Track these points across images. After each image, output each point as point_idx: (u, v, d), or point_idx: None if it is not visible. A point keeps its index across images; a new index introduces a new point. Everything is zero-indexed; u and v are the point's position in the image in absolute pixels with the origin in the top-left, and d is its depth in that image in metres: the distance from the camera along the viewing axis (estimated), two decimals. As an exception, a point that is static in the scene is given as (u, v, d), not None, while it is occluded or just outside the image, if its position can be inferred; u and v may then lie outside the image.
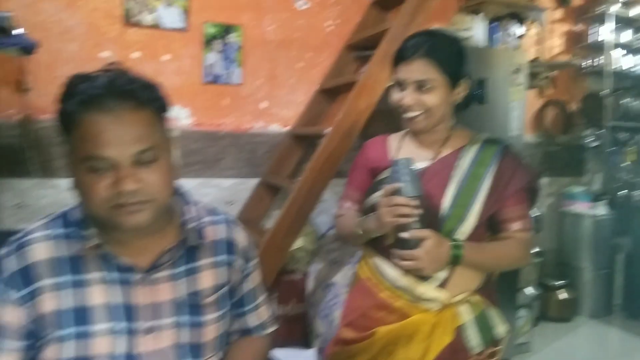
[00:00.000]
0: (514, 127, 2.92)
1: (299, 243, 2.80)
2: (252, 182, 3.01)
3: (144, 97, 0.89)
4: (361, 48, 3.09)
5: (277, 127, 3.07)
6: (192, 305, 1.01)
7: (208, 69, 2.84)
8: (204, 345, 1.03)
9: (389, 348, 1.32)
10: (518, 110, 2.94)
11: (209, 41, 2.83)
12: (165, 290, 0.98)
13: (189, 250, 1.01)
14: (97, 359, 0.92)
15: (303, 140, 3.06)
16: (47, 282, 0.92)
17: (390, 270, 1.35)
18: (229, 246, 1.08)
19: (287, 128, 3.08)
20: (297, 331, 2.79)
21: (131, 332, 0.95)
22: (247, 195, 3.01)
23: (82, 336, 0.92)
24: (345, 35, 3.17)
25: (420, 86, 1.31)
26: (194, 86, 2.83)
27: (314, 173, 2.49)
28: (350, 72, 3.17)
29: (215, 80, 2.86)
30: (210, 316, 1.03)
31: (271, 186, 3.01)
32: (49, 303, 0.91)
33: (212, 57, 2.84)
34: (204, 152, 2.88)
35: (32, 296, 0.91)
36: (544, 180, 3.92)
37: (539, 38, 3.66)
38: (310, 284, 2.84)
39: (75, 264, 0.93)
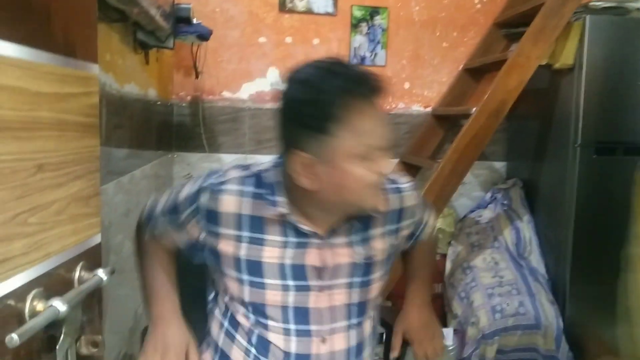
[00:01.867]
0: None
1: (438, 224, 2.81)
2: (392, 163, 3.06)
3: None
4: (511, 25, 2.96)
5: (418, 108, 3.08)
6: (365, 266, 1.07)
7: (355, 52, 2.94)
8: (369, 302, 1.10)
9: None
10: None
11: (355, 24, 2.92)
12: (341, 254, 1.04)
13: (364, 218, 1.05)
14: (269, 306, 1.03)
15: (445, 120, 3.04)
16: (229, 231, 1.00)
17: None
18: (400, 215, 1.12)
19: (429, 108, 3.08)
20: (434, 311, 2.80)
21: (302, 289, 1.02)
22: (387, 175, 3.07)
23: (255, 285, 1.02)
24: (494, 13, 3.06)
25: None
26: (340, 68, 2.94)
27: (457, 153, 2.47)
28: (498, 50, 3.06)
29: (361, 62, 2.95)
30: (377, 274, 1.10)
31: (411, 166, 3.04)
32: (228, 247, 1.01)
33: (359, 40, 2.93)
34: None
35: (215, 234, 1.02)
36: None
37: None
38: (448, 266, 2.84)
39: (257, 223, 1.00)
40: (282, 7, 2.86)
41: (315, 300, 1.03)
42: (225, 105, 2.86)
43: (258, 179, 1.03)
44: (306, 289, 1.02)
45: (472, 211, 3.03)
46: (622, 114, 2.55)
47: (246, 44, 2.86)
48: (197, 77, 2.70)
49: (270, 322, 1.03)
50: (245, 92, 2.88)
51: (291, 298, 1.02)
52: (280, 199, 1.00)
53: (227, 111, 2.86)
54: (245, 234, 1.00)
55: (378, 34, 2.95)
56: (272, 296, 1.02)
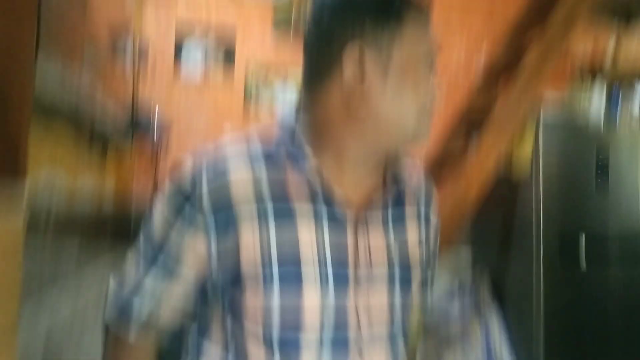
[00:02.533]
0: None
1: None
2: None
3: None
4: (467, 122, 3.08)
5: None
6: (402, 256, 0.86)
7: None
8: (409, 312, 0.87)
9: None
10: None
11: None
12: (377, 234, 0.83)
13: (395, 192, 0.87)
14: (306, 311, 0.76)
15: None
16: (247, 207, 0.75)
17: None
18: (427, 199, 0.94)
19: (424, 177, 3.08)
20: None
21: (343, 280, 0.79)
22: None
23: (288, 279, 0.76)
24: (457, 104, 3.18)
25: None
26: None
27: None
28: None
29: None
30: (416, 273, 0.88)
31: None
32: (247, 232, 0.75)
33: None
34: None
35: (226, 222, 0.75)
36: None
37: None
38: (418, 361, 2.71)
39: (279, 189, 0.78)
40: (248, 98, 2.91)
41: (353, 298, 0.80)
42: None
43: (262, 136, 0.83)
44: (345, 280, 0.79)
45: (439, 304, 2.95)
46: (581, 219, 2.56)
47: (212, 134, 2.86)
48: (155, 171, 2.65)
49: (304, 336, 0.77)
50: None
51: (331, 294, 0.77)
52: (307, 148, 0.79)
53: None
54: (270, 204, 0.76)
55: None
56: (311, 292, 0.76)
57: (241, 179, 0.76)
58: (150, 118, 2.12)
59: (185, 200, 0.76)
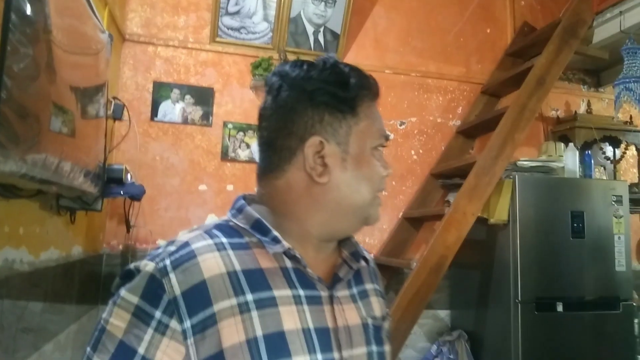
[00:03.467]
0: (620, 262, 2.69)
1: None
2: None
3: None
4: (446, 176, 3.09)
5: (361, 255, 3.03)
6: (376, 331, 0.85)
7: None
8: None
9: None
10: (622, 242, 2.72)
11: (297, 173, 2.95)
12: (351, 312, 0.82)
13: (355, 271, 0.87)
14: None
15: (387, 269, 3.00)
16: (227, 303, 0.69)
17: None
18: (377, 277, 0.96)
19: (371, 256, 3.04)
20: None
21: None
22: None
23: None
24: (429, 164, 3.20)
25: None
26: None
27: (400, 310, 2.40)
28: (435, 199, 3.16)
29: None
30: (388, 347, 0.87)
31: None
32: (231, 331, 0.68)
33: (300, 189, 2.94)
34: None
35: (205, 325, 0.68)
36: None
37: (638, 160, 3.47)
38: None
39: (256, 278, 0.73)
40: (225, 157, 2.88)
41: None
42: (160, 255, 2.72)
43: (222, 229, 0.78)
44: None
45: (418, 365, 2.89)
46: (557, 269, 2.60)
47: (186, 192, 2.81)
48: (128, 231, 2.58)
49: None
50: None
51: None
52: (275, 233, 0.76)
53: (161, 261, 2.71)
54: (250, 297, 0.71)
55: (319, 183, 2.98)
56: None
57: (218, 273, 0.70)
58: (123, 180, 2.06)
59: (152, 308, 0.67)
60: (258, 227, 0.77)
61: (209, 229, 0.77)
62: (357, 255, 0.87)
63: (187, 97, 2.86)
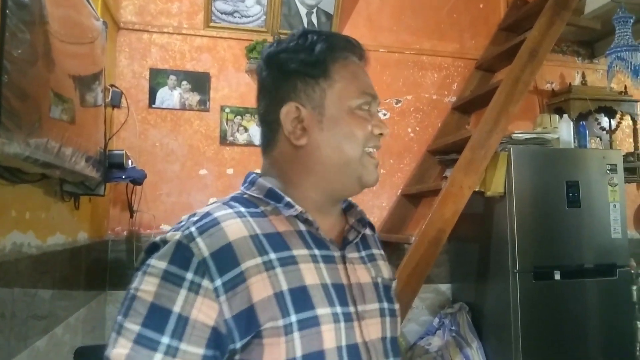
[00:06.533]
0: (615, 229, 2.73)
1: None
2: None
3: None
4: (443, 152, 3.12)
5: (361, 233, 3.08)
6: (386, 290, 0.90)
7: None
8: (398, 342, 0.90)
9: None
10: (617, 210, 2.76)
11: (295, 155, 2.99)
12: (362, 272, 0.87)
13: (362, 236, 0.92)
14: (327, 354, 0.75)
15: (387, 245, 3.05)
16: (253, 262, 0.73)
17: None
18: (380, 244, 1.00)
19: (372, 233, 3.09)
20: None
21: (349, 318, 0.80)
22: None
23: (308, 324, 0.74)
24: (426, 141, 3.23)
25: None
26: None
27: (401, 283, 2.45)
28: (433, 175, 3.19)
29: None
30: (397, 307, 0.92)
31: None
32: (260, 287, 0.72)
33: (299, 170, 2.98)
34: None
35: (235, 283, 0.71)
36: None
37: (633, 130, 3.49)
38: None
39: (276, 240, 0.78)
40: (223, 141, 2.91)
41: (360, 336, 0.80)
42: (164, 239, 2.77)
43: (239, 200, 0.83)
44: (351, 319, 0.80)
45: (421, 338, 2.95)
46: (554, 238, 2.65)
47: (187, 177, 2.85)
48: (131, 216, 2.63)
49: None
50: (185, 224, 2.81)
51: (343, 333, 0.78)
52: (287, 199, 0.81)
53: (166, 245, 2.77)
54: (273, 256, 0.76)
55: (318, 163, 3.02)
56: (329, 333, 0.76)
57: (241, 237, 0.75)
58: (124, 165, 2.10)
59: (182, 270, 0.69)
60: (271, 195, 0.82)
61: (226, 201, 0.82)
62: (363, 221, 0.92)
63: (184, 82, 2.88)
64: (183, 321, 0.68)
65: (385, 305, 0.88)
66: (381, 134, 0.86)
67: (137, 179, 2.18)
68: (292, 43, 0.85)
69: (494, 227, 2.77)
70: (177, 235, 0.72)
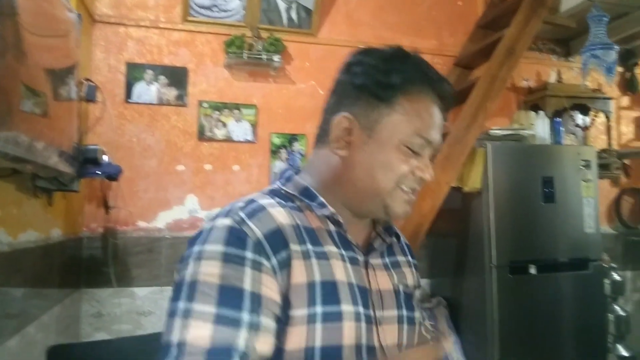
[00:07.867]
0: (589, 224, 2.79)
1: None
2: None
3: None
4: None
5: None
6: (407, 298, 0.91)
7: (274, 177, 2.97)
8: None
9: None
10: (591, 206, 2.81)
11: (275, 150, 2.98)
12: (383, 278, 0.88)
13: (387, 244, 0.94)
14: (345, 350, 0.76)
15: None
16: (295, 247, 0.77)
17: None
18: (410, 251, 1.03)
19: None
20: None
21: (369, 320, 0.81)
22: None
23: (331, 318, 0.76)
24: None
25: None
26: (261, 193, 2.95)
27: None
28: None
29: (281, 187, 2.97)
30: (418, 315, 0.92)
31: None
32: (297, 272, 0.75)
33: (279, 165, 2.97)
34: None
35: (285, 263, 0.75)
36: (627, 275, 3.64)
37: (607, 127, 3.57)
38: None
39: (312, 234, 0.81)
40: (201, 136, 2.89)
41: (378, 339, 0.82)
42: (141, 236, 2.74)
43: (277, 194, 0.86)
44: (371, 321, 0.81)
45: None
46: (530, 233, 2.69)
47: (164, 173, 2.82)
48: (107, 212, 2.59)
49: None
50: (162, 221, 2.78)
51: (364, 333, 0.79)
52: (321, 199, 0.84)
53: (143, 242, 2.73)
54: (310, 247, 0.79)
55: (297, 159, 3.01)
56: (349, 331, 0.77)
57: (286, 223, 0.78)
58: (99, 161, 2.07)
59: (241, 250, 0.71)
60: (306, 193, 0.86)
61: (266, 193, 0.86)
62: (390, 230, 0.95)
63: (161, 77, 2.84)
64: (257, 297, 0.70)
65: (404, 312, 0.89)
66: (422, 178, 0.84)
67: (113, 175, 2.14)
68: (377, 60, 0.85)
69: (471, 223, 2.80)
70: (227, 220, 0.74)
